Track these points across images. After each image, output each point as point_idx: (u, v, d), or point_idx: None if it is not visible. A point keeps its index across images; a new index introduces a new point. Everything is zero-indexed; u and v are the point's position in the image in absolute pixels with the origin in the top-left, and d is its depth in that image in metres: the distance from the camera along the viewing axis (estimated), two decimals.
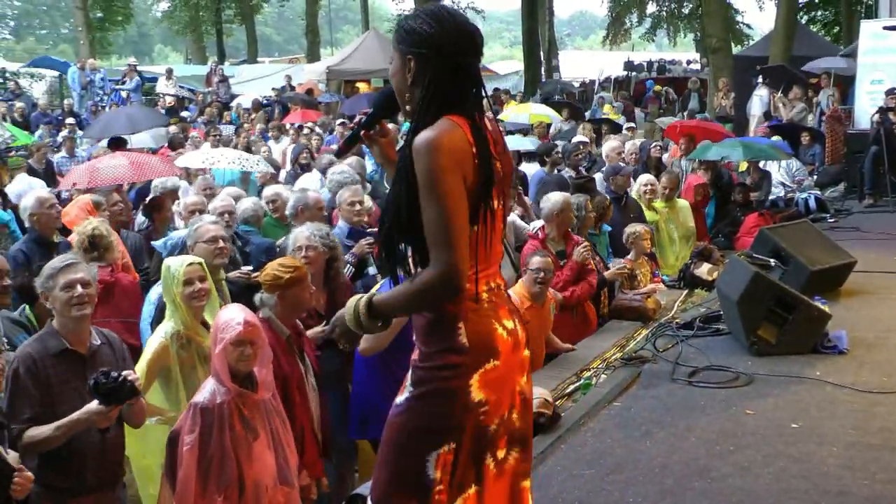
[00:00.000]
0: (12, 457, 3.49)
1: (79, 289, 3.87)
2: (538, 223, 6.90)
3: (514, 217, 7.17)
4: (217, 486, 3.72)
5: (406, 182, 2.55)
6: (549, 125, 15.95)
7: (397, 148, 2.83)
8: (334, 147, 12.82)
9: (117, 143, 13.08)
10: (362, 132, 2.88)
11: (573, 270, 6.48)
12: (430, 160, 2.51)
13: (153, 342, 4.44)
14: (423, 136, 2.53)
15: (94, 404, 3.68)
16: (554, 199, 6.72)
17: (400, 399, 2.67)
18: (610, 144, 10.95)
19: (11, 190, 9.33)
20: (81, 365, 3.92)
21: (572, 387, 5.48)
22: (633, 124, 17.09)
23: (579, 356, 6.04)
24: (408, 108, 2.69)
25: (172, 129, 15.46)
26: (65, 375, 3.86)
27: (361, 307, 2.69)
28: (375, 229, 5.01)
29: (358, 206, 6.38)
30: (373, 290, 2.73)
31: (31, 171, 11.63)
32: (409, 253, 2.65)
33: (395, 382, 2.80)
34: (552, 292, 6.06)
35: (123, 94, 21.90)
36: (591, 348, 6.23)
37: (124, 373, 3.72)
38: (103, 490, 4.03)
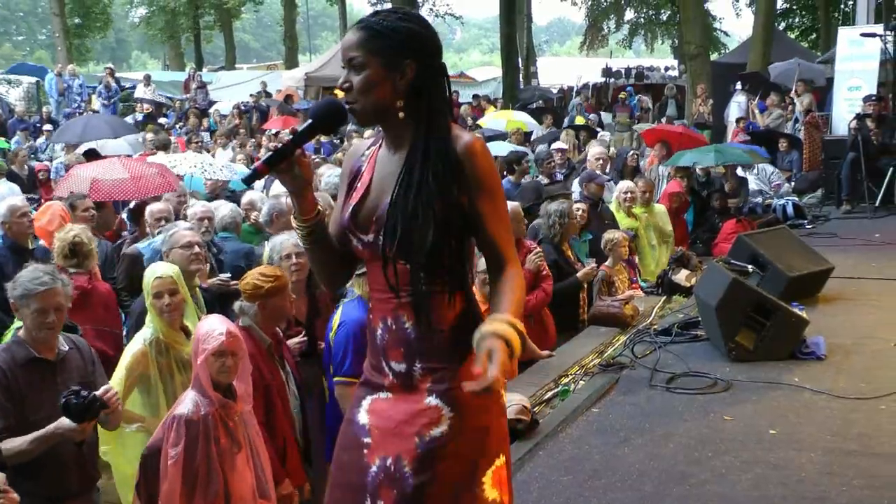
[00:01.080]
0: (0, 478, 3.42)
1: (51, 316, 3.84)
2: None
3: None
4: (203, 499, 3.69)
5: (441, 183, 2.39)
6: (527, 133, 15.97)
7: (390, 160, 2.53)
8: (311, 154, 12.73)
9: (92, 155, 12.99)
10: (295, 148, 2.45)
11: (526, 280, 6.41)
12: (490, 160, 2.49)
13: (132, 347, 4.42)
14: (471, 137, 2.48)
15: (66, 421, 3.65)
16: None
17: (437, 431, 2.44)
18: (593, 151, 10.97)
19: None
20: (51, 372, 3.89)
21: (550, 393, 5.48)
22: (604, 132, 17.10)
23: (557, 363, 6.03)
24: (400, 115, 2.46)
25: (149, 136, 15.38)
26: (35, 384, 3.83)
27: (518, 330, 2.28)
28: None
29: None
30: (503, 315, 2.28)
31: (12, 177, 11.54)
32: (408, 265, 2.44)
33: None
34: None
35: (97, 102, 21.79)
36: (570, 354, 6.23)
37: (95, 393, 3.70)
38: (82, 495, 4.01)
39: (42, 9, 56.47)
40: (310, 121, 2.53)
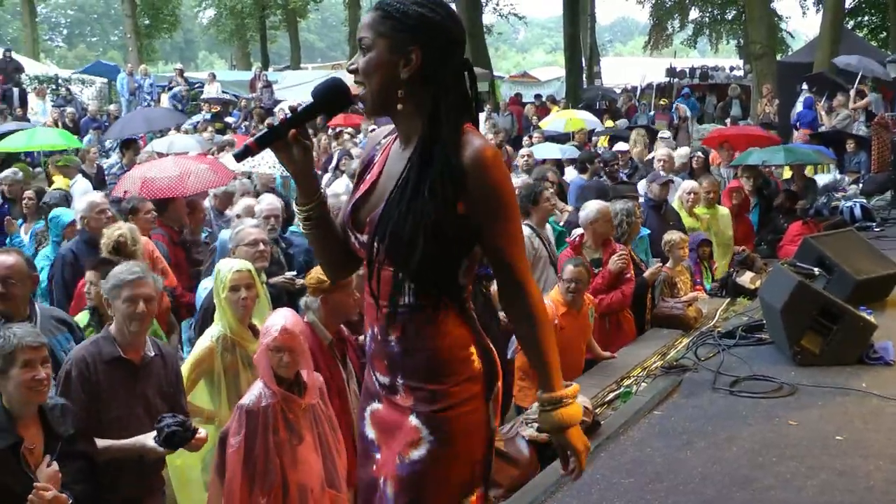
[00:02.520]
0: (50, 471, 3.44)
1: (141, 305, 3.93)
2: (578, 230, 6.89)
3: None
4: (262, 488, 3.78)
5: (438, 197, 2.24)
6: (590, 132, 15.91)
7: (400, 157, 2.39)
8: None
9: (128, 144, 13.29)
10: (291, 129, 2.34)
11: (605, 279, 6.46)
12: (502, 172, 2.29)
13: (200, 344, 4.52)
14: (482, 145, 2.27)
15: (150, 442, 3.75)
16: (590, 207, 6.72)
17: (416, 454, 2.35)
18: (660, 152, 10.88)
19: (77, 190, 9.63)
20: (133, 374, 3.97)
21: (612, 395, 5.46)
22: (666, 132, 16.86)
23: (619, 364, 6.01)
24: (399, 107, 2.32)
25: (206, 135, 15.70)
26: (114, 382, 3.92)
27: (572, 412, 2.37)
28: None
29: None
30: (557, 397, 2.35)
31: (83, 175, 11.90)
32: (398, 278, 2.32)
33: None
34: (590, 297, 6.06)
35: (166, 101, 22.24)
36: (632, 356, 6.20)
37: (190, 423, 3.81)
38: (141, 501, 4.07)
39: (115, 11, 57.78)
40: (310, 100, 2.42)
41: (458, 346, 2.36)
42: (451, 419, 2.34)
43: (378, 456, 2.46)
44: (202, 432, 3.83)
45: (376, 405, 2.48)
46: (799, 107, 17.48)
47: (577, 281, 5.75)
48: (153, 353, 4.07)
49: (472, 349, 2.38)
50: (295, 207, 2.52)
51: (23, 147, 12.05)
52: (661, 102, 21.79)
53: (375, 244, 2.31)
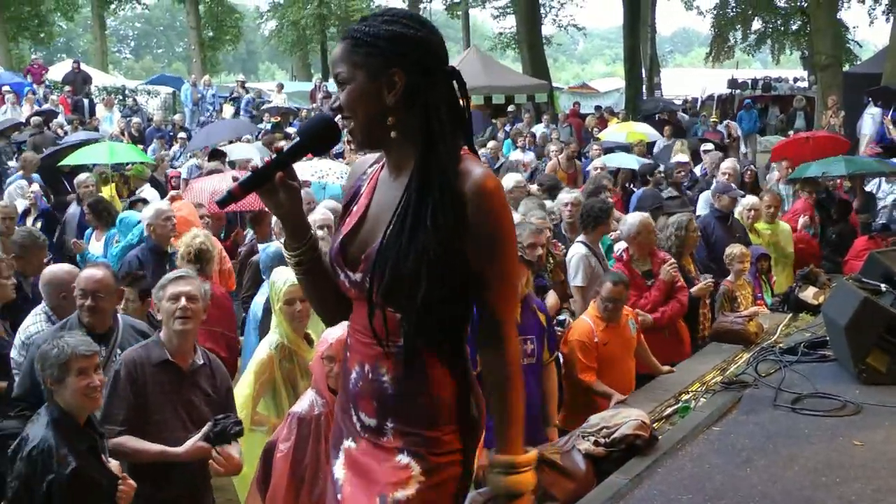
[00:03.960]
0: (114, 465, 3.66)
1: (183, 301, 4.01)
2: (622, 244, 6.85)
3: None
4: (309, 497, 3.79)
5: (441, 228, 2.07)
6: (650, 144, 15.79)
7: (392, 186, 2.23)
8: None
9: (216, 154, 13.59)
10: (277, 171, 2.18)
11: (661, 290, 6.40)
12: (503, 205, 2.14)
13: (259, 352, 4.58)
14: (483, 174, 2.11)
15: (200, 441, 3.87)
16: (630, 220, 6.68)
17: (401, 494, 2.18)
18: (725, 164, 10.76)
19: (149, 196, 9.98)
20: (179, 379, 4.05)
21: (670, 409, 5.39)
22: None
23: (677, 379, 5.94)
24: (393, 134, 2.16)
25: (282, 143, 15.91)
26: (161, 386, 4.00)
27: (524, 480, 2.17)
28: None
29: None
30: (509, 459, 2.18)
31: (155, 184, 12.18)
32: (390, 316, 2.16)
33: None
34: (628, 309, 6.00)
35: (228, 111, 22.63)
36: (690, 371, 6.12)
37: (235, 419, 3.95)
38: (192, 499, 4.15)
39: (180, 23, 59.00)
40: (296, 138, 2.24)
41: (459, 393, 2.23)
42: (442, 465, 2.21)
43: (340, 496, 2.29)
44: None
45: (350, 444, 2.32)
46: (866, 119, 17.12)
47: (616, 300, 5.72)
48: (202, 362, 4.15)
49: (471, 396, 2.27)
50: (284, 252, 2.35)
51: (105, 160, 12.58)
52: (713, 120, 21.15)
53: (373, 282, 2.14)
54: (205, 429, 3.90)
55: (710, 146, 14.56)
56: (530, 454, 2.21)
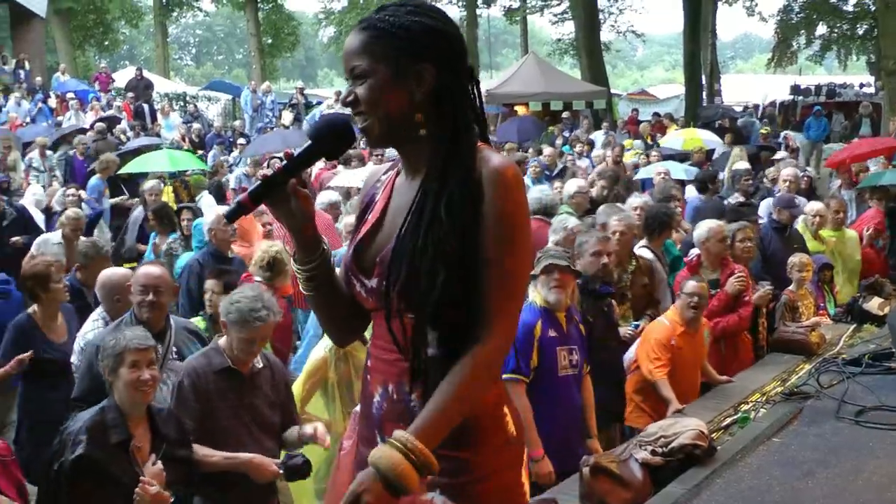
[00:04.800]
0: (155, 469, 3.63)
1: (256, 345, 4.09)
2: (695, 250, 6.78)
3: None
4: None
5: (457, 218, 1.94)
6: (709, 151, 15.59)
7: (409, 187, 2.10)
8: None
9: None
10: (290, 178, 2.01)
11: (721, 301, 6.32)
12: (521, 197, 1.99)
13: (315, 354, 4.64)
14: (501, 162, 1.98)
15: (272, 466, 3.96)
16: (702, 226, 6.65)
17: None
18: (785, 172, 10.59)
19: (203, 204, 10.26)
20: (240, 384, 4.10)
21: (729, 420, 5.30)
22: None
23: (737, 389, 5.84)
24: (422, 132, 2.02)
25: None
26: (224, 392, 4.05)
27: (401, 468, 1.82)
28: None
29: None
30: (401, 435, 1.88)
31: (213, 189, 12.35)
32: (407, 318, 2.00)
33: None
34: (705, 320, 5.94)
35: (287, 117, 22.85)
36: (750, 381, 6.02)
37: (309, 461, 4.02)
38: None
39: (240, 30, 59.93)
40: (308, 142, 2.07)
41: (491, 405, 2.04)
42: (482, 494, 2.01)
43: None
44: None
45: None
46: None
47: (699, 296, 5.67)
48: (261, 365, 4.19)
49: (506, 408, 2.08)
50: (294, 268, 2.17)
51: (167, 168, 12.92)
52: (763, 131, 20.25)
53: (390, 286, 2.00)
54: (282, 459, 4.02)
55: (784, 154, 14.33)
56: (430, 458, 1.86)
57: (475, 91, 2.08)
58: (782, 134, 20.11)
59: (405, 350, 2.00)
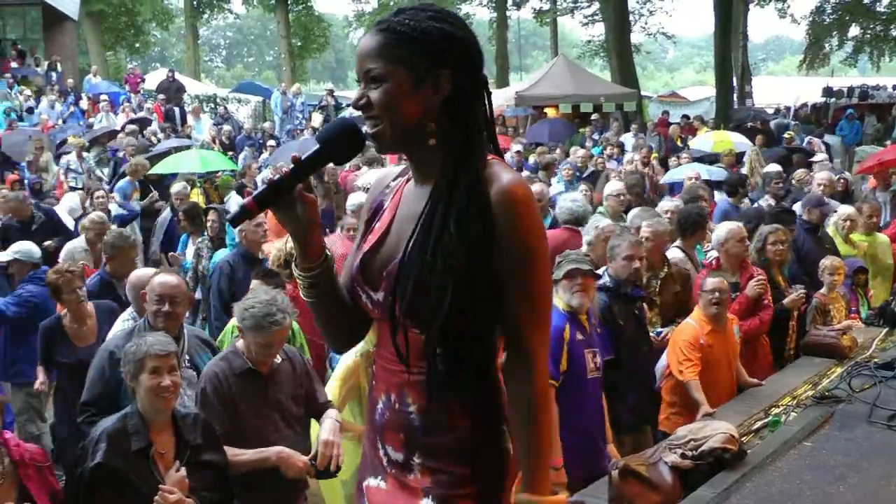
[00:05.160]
0: (177, 477, 3.62)
1: (275, 348, 4.12)
2: (713, 253, 6.75)
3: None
4: None
5: (466, 233, 1.91)
6: (740, 154, 15.46)
7: (418, 196, 2.06)
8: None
9: None
10: (297, 183, 1.99)
11: (741, 304, 6.27)
12: (535, 216, 1.95)
13: (346, 359, 4.64)
14: (512, 180, 1.93)
15: (302, 459, 4.02)
16: (721, 228, 6.63)
17: None
18: (820, 175, 10.50)
19: (232, 205, 10.23)
20: (263, 383, 4.14)
21: (759, 423, 5.27)
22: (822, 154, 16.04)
23: (767, 392, 5.80)
24: (432, 141, 1.98)
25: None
26: (247, 393, 4.10)
27: None
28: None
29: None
30: (524, 500, 1.97)
31: (242, 191, 12.43)
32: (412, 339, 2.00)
33: None
34: (731, 315, 5.91)
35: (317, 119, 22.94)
36: (781, 384, 5.97)
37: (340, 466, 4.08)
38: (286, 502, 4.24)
39: (270, 32, 60.34)
40: (315, 147, 2.03)
41: (492, 423, 2.04)
42: None
43: None
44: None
45: (376, 481, 2.16)
46: None
47: (720, 290, 5.64)
48: (280, 360, 4.23)
49: (505, 427, 2.06)
50: (295, 272, 2.14)
51: (198, 169, 13.06)
52: (787, 135, 19.41)
53: (396, 300, 1.98)
54: (311, 455, 4.08)
55: (823, 156, 14.18)
56: (558, 497, 1.99)
57: (488, 101, 2.05)
58: (806, 139, 19.57)
59: (408, 363, 2.01)
